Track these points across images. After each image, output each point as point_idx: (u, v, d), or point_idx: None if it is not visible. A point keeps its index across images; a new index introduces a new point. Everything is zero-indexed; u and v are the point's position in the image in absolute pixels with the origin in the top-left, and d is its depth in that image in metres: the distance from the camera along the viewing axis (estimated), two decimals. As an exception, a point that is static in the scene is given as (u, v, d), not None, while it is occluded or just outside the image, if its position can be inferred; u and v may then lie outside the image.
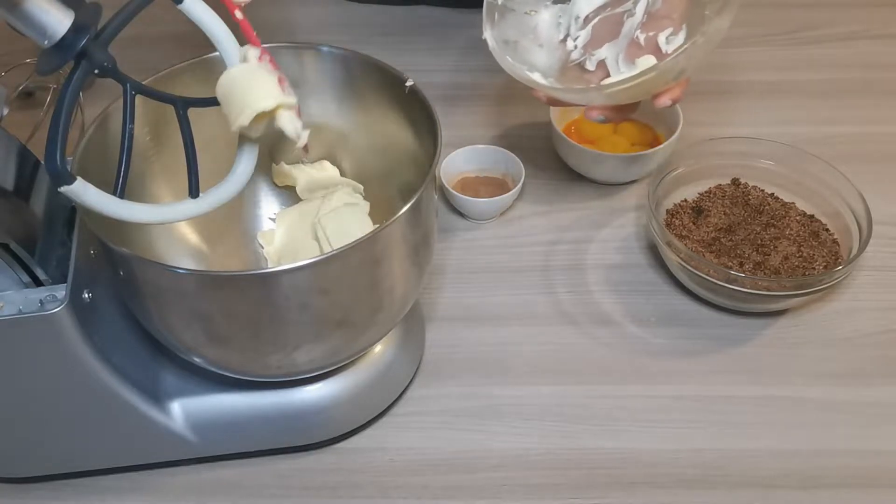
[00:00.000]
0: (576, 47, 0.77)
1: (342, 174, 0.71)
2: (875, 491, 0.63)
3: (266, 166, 0.72)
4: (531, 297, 0.77)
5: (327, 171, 0.71)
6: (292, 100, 0.50)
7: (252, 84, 0.50)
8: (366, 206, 0.69)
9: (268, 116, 0.50)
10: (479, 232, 0.83)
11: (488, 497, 0.64)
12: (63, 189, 0.46)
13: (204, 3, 0.50)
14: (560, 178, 0.88)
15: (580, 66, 0.77)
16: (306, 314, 0.55)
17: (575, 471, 0.65)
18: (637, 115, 0.89)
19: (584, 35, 0.77)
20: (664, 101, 0.69)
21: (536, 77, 0.71)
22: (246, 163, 0.53)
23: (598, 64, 0.76)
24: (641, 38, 0.74)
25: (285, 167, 0.71)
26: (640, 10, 0.75)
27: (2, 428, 0.61)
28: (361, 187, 0.71)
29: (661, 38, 0.74)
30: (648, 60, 0.71)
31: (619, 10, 0.76)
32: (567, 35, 0.77)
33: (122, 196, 0.49)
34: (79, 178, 0.46)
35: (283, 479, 0.65)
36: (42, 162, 0.59)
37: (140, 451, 0.64)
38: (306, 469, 0.66)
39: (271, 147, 0.71)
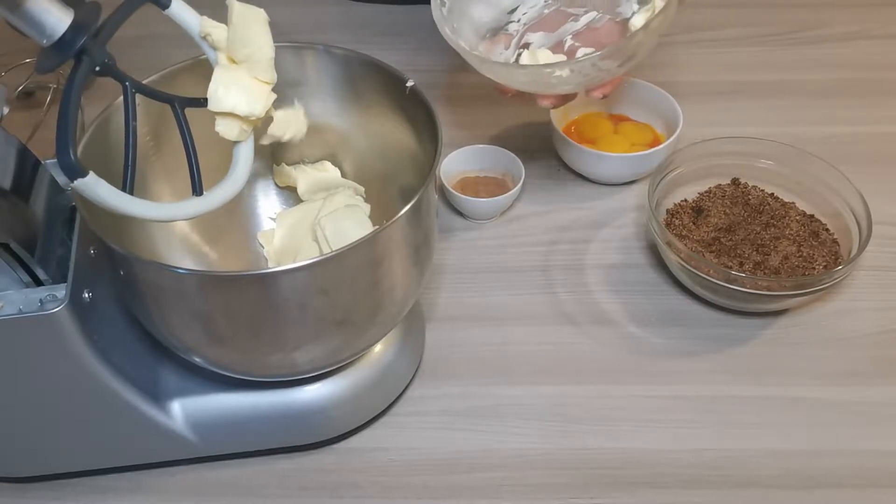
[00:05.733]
0: (518, 20, 0.82)
1: (343, 175, 0.71)
2: (875, 491, 0.63)
3: (267, 167, 0.72)
4: (531, 297, 0.77)
5: (328, 171, 0.71)
6: (271, 98, 0.54)
7: (243, 86, 0.53)
8: (366, 208, 0.69)
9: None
10: (479, 232, 0.83)
11: (488, 497, 0.64)
12: (77, 183, 0.46)
13: (189, 7, 0.52)
14: (560, 178, 0.88)
15: (507, 37, 0.82)
16: (306, 314, 0.55)
17: (575, 471, 0.65)
18: (637, 115, 0.90)
19: (532, 13, 0.83)
20: (596, 94, 0.74)
21: (462, 43, 0.74)
22: (245, 158, 0.55)
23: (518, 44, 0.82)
24: (568, 43, 0.81)
25: (286, 168, 0.71)
26: (583, 20, 0.82)
27: (2, 428, 0.61)
28: (363, 189, 0.70)
29: (580, 53, 0.80)
30: (547, 55, 0.78)
31: (570, 10, 0.83)
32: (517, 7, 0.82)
33: (130, 193, 0.49)
34: (91, 172, 0.46)
35: (283, 479, 0.65)
36: (42, 162, 0.60)
37: (140, 451, 0.64)
38: (306, 469, 0.66)
39: (272, 148, 0.71)
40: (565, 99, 0.75)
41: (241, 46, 0.53)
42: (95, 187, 0.47)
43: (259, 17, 0.53)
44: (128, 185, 0.49)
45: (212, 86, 0.52)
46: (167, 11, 0.52)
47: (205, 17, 0.53)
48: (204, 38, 0.53)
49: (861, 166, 0.81)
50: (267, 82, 0.54)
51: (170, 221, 0.55)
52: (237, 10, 0.52)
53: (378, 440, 0.67)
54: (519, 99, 0.76)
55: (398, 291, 0.59)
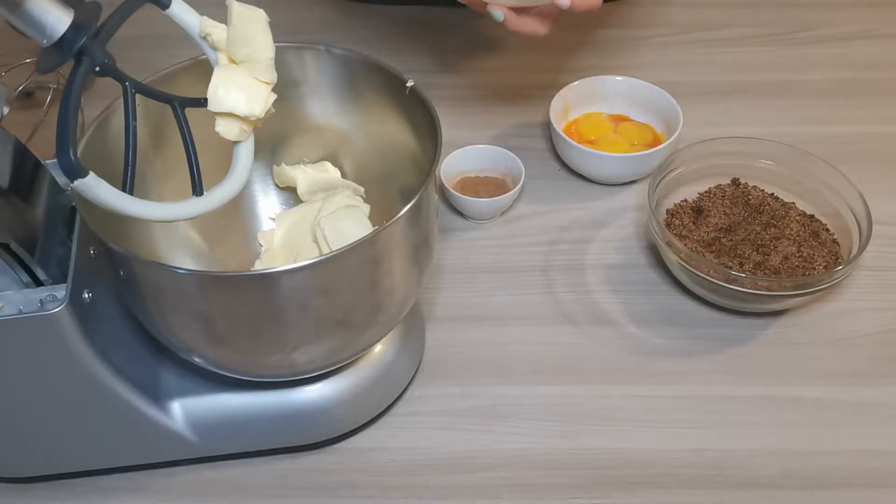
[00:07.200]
0: None
1: (343, 175, 0.71)
2: (875, 491, 0.63)
3: (267, 167, 0.72)
4: (531, 297, 0.77)
5: (328, 172, 0.71)
6: (271, 99, 0.54)
7: (243, 86, 0.53)
8: (366, 208, 0.69)
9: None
10: (479, 232, 0.83)
11: (488, 497, 0.64)
12: (77, 183, 0.46)
13: (189, 7, 0.52)
14: (560, 178, 0.88)
15: None
16: (306, 314, 0.55)
17: (575, 471, 0.65)
18: (637, 115, 0.90)
19: None
20: (563, 1, 0.69)
21: None
22: (245, 158, 0.55)
23: None
24: None
25: (286, 168, 0.71)
26: None
27: (2, 428, 0.61)
28: (362, 189, 0.70)
29: None
30: None
31: None
32: None
33: (130, 193, 0.49)
34: (91, 173, 0.46)
35: (283, 479, 0.65)
36: (43, 162, 0.60)
37: (140, 451, 0.64)
38: (306, 469, 0.66)
39: (272, 148, 0.71)
40: (522, 14, 0.71)
41: (241, 46, 0.53)
42: (95, 187, 0.47)
43: (259, 17, 0.53)
44: (128, 185, 0.49)
45: (212, 86, 0.52)
46: (167, 11, 0.52)
47: (205, 18, 0.53)
48: (204, 38, 0.53)
49: (861, 166, 0.81)
50: (267, 82, 0.54)
51: (170, 221, 0.55)
52: (237, 11, 0.52)
53: (378, 440, 0.67)
54: (473, 11, 0.73)
55: (398, 291, 0.59)
